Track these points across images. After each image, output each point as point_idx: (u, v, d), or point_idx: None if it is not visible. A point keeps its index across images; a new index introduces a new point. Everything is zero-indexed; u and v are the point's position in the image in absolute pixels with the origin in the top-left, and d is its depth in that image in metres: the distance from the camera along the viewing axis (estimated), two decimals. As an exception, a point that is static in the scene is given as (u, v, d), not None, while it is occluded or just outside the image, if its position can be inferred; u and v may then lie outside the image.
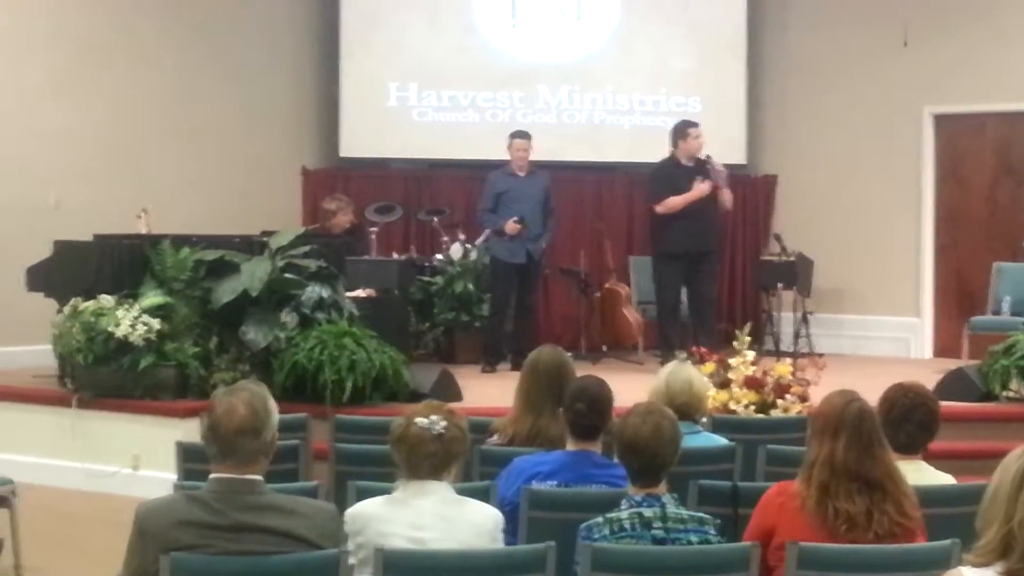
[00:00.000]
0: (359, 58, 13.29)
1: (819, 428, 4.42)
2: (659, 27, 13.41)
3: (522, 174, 11.29)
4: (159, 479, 7.38)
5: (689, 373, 5.81)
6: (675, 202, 10.94)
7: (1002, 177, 12.50)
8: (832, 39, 13.07)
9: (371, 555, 3.99)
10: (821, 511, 4.27)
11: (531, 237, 11.18)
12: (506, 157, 11.37)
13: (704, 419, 6.04)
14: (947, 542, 4.15)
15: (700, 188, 10.91)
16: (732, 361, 7.83)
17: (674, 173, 11.08)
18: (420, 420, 4.18)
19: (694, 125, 11.23)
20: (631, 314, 12.07)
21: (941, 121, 12.70)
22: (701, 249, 10.99)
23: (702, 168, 11.02)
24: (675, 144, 11.15)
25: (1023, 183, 12.34)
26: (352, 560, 4.06)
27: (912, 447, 4.88)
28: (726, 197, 11.13)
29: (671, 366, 5.90)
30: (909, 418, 4.85)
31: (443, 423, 4.18)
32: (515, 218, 11.04)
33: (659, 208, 11.05)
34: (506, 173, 11.33)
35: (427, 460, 4.17)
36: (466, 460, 4.66)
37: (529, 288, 11.45)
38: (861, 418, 4.35)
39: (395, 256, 11.80)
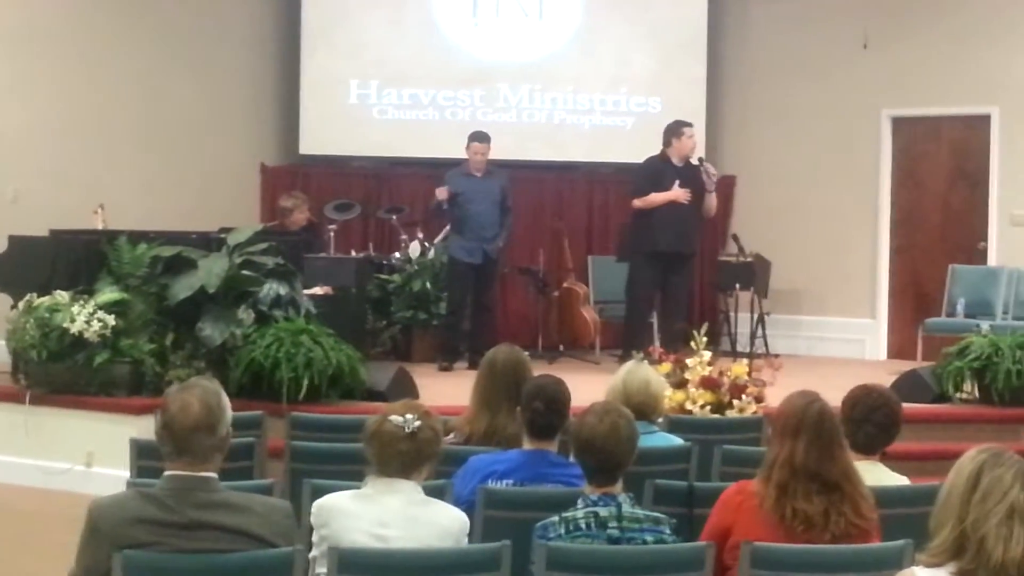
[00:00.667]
0: (320, 55, 13.25)
1: (779, 428, 4.44)
2: (620, 27, 13.43)
3: (479, 175, 11.29)
4: (113, 476, 7.29)
5: (647, 373, 5.82)
6: (655, 198, 10.93)
7: (958, 180, 12.60)
8: (792, 41, 13.14)
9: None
10: (779, 511, 4.29)
11: (487, 237, 11.18)
12: (466, 156, 11.36)
13: (660, 419, 6.05)
14: (900, 542, 4.17)
15: (679, 192, 10.89)
16: (689, 361, 7.85)
17: (662, 171, 11.05)
18: (394, 418, 4.16)
19: (688, 125, 11.19)
20: (588, 314, 12.09)
21: (898, 124, 12.79)
22: (681, 251, 10.99)
23: (694, 171, 10.99)
24: (668, 143, 11.11)
25: (978, 186, 12.43)
26: (314, 552, 4.05)
27: (870, 447, 4.90)
28: (712, 204, 11.13)
29: (628, 366, 5.90)
30: (870, 418, 4.87)
31: (417, 422, 4.16)
32: (468, 210, 11.09)
33: (637, 202, 11.05)
34: (463, 173, 11.32)
35: (398, 458, 4.16)
36: (438, 459, 4.65)
37: (485, 287, 11.45)
38: (822, 419, 4.37)
39: (353, 254, 11.77)
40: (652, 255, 10.98)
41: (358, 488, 4.26)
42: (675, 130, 11.12)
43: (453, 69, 13.34)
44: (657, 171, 11.08)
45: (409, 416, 4.16)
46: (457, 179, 11.29)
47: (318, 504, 4.22)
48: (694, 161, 11.14)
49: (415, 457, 4.17)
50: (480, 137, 11.37)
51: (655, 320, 11.27)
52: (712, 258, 13.10)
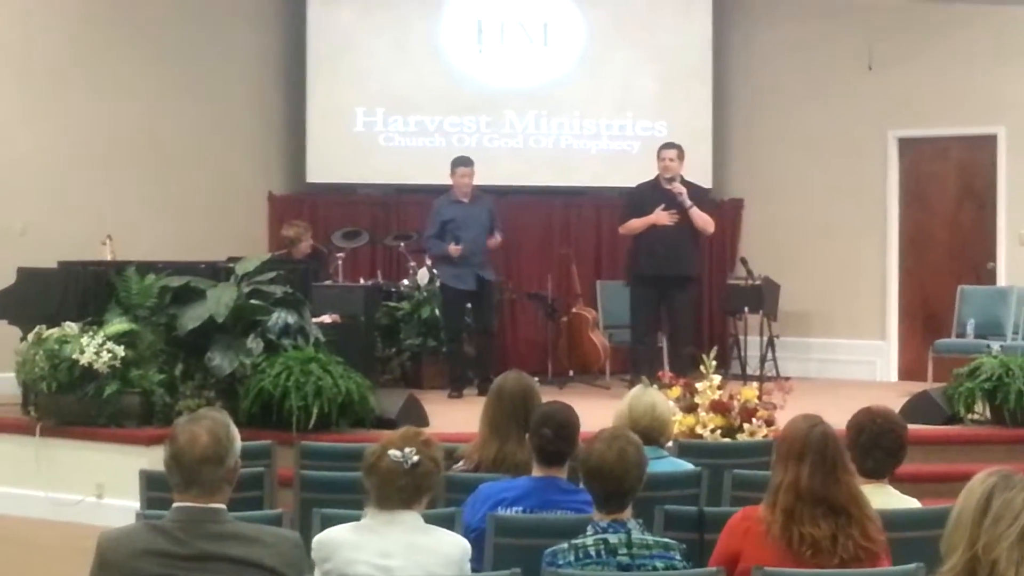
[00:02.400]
0: (326, 83, 13.29)
1: (783, 453, 4.42)
2: (625, 52, 13.46)
3: (466, 200, 11.31)
4: (124, 507, 7.31)
5: (653, 397, 5.80)
6: (633, 224, 11.03)
7: (966, 200, 12.59)
8: (797, 63, 13.15)
9: (336, 583, 3.96)
10: (786, 536, 4.27)
11: (477, 263, 11.19)
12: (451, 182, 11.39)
13: (670, 444, 6.04)
14: (911, 566, 4.15)
15: (659, 215, 10.90)
16: (698, 385, 7.83)
17: (647, 195, 11.06)
18: (393, 453, 4.13)
19: (668, 147, 11.16)
20: (598, 339, 12.06)
21: (905, 144, 12.79)
22: (673, 273, 10.94)
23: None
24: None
25: (986, 206, 12.42)
26: (318, 588, 4.04)
27: (880, 472, 4.87)
28: (699, 219, 11.01)
29: (635, 390, 5.90)
30: (878, 444, 4.83)
31: (416, 457, 4.12)
32: (454, 241, 11.08)
33: (621, 229, 11.25)
34: (451, 200, 11.34)
35: (397, 494, 4.14)
36: (439, 488, 4.64)
37: (484, 312, 11.44)
38: (825, 443, 4.35)
39: (361, 282, 11.78)
40: (644, 279, 11.01)
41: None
42: (657, 152, 11.17)
43: (459, 96, 13.37)
44: (641, 196, 11.13)
45: (408, 450, 4.13)
46: (446, 207, 11.31)
47: (319, 540, 4.20)
48: (669, 182, 11.03)
49: (415, 491, 4.15)
50: (464, 162, 11.39)
51: (664, 344, 11.26)
52: (721, 281, 13.10)
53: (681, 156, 11.06)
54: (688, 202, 10.92)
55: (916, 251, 12.79)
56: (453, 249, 11.08)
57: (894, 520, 4.61)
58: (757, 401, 7.88)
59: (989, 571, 2.99)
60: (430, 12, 13.41)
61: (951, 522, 3.11)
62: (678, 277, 10.99)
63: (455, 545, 4.24)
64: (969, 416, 9.12)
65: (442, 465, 4.30)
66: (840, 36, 12.91)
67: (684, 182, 11.00)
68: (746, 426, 7.67)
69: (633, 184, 11.54)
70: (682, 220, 10.93)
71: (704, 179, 13.04)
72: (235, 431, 3.87)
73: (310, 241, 11.47)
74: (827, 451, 4.34)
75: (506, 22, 13.50)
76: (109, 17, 11.95)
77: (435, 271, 11.81)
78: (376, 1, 13.34)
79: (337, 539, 4.17)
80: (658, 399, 5.84)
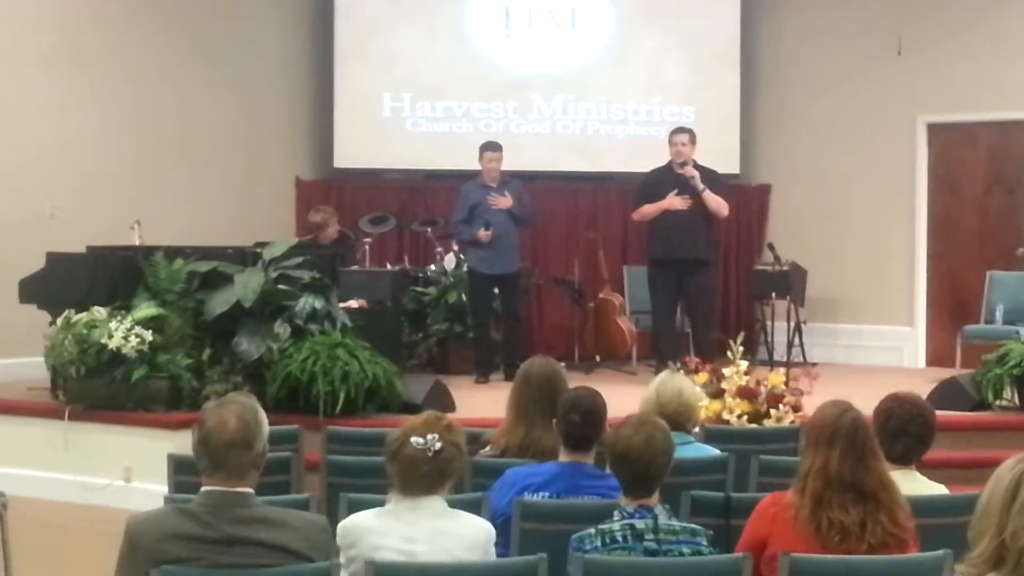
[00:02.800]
0: (353, 69, 13.30)
1: (813, 438, 4.41)
2: (653, 37, 13.43)
3: (495, 185, 11.29)
4: (151, 491, 7.35)
5: (679, 383, 5.79)
6: (646, 210, 11.05)
7: (994, 186, 12.52)
8: (826, 49, 13.09)
9: (363, 568, 3.97)
10: (815, 521, 4.26)
11: (506, 248, 11.18)
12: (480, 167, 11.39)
13: (696, 429, 6.03)
14: (939, 552, 4.14)
15: (672, 200, 10.89)
16: (725, 371, 7.82)
17: (661, 180, 11.05)
18: (416, 440, 4.13)
19: (679, 131, 11.16)
20: (625, 324, 12.06)
21: (934, 130, 12.72)
22: (688, 257, 10.91)
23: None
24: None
25: (1015, 192, 12.36)
26: (344, 573, 4.04)
27: (907, 458, 4.86)
28: (712, 202, 10.96)
29: (662, 376, 5.89)
30: (907, 430, 4.83)
31: (439, 443, 4.13)
32: (483, 226, 11.08)
33: (634, 216, 11.28)
34: (479, 185, 11.33)
35: (421, 481, 4.15)
36: (462, 472, 4.64)
37: (512, 297, 11.44)
38: (855, 428, 4.34)
39: (388, 267, 11.80)
40: (659, 263, 11.02)
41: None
42: (669, 136, 11.18)
43: (486, 81, 13.37)
44: (654, 182, 11.13)
45: (431, 437, 4.14)
46: (474, 191, 11.31)
47: (343, 526, 4.22)
48: (682, 166, 11.01)
49: (438, 477, 4.17)
50: (492, 146, 11.39)
51: (690, 330, 11.26)
52: (748, 267, 13.07)
53: (693, 140, 11.05)
54: (701, 185, 10.90)
55: (945, 237, 12.73)
56: (483, 235, 11.08)
57: (921, 506, 4.59)
58: (784, 387, 7.85)
59: (1017, 558, 2.98)
60: (458, -3, 13.42)
61: (979, 509, 3.09)
62: (694, 261, 10.96)
63: (480, 529, 4.25)
64: (997, 402, 9.09)
65: (464, 450, 4.30)
66: (869, 21, 12.85)
67: (696, 166, 10.98)
68: (773, 412, 7.65)
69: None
70: (696, 204, 10.91)
71: (731, 165, 13.07)
72: (263, 416, 3.89)
73: (337, 226, 11.49)
74: (857, 437, 4.33)
75: (534, 7, 13.48)
76: (139, 4, 11.98)
77: (462, 255, 11.82)
78: (404, -13, 13.36)
79: (362, 525, 4.19)
80: (685, 385, 5.82)
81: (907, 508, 4.36)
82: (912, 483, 4.76)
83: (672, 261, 10.92)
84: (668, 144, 11.12)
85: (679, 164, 10.96)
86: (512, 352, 10.91)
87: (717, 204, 11.03)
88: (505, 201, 11.09)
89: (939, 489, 4.94)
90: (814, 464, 4.33)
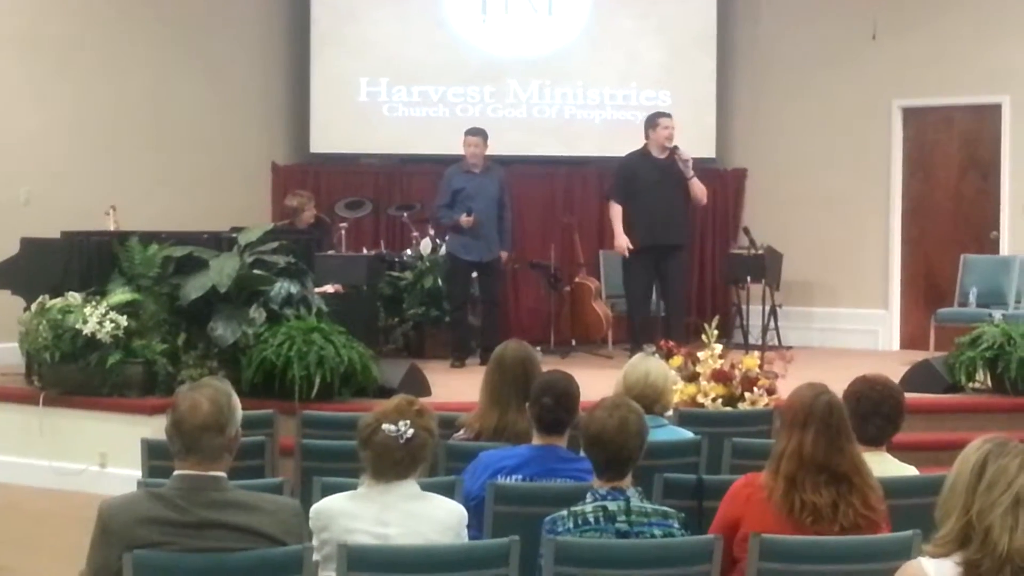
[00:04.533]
0: (329, 53, 13.28)
1: (788, 420, 4.44)
2: (629, 21, 13.43)
3: (477, 171, 11.30)
4: (127, 476, 7.29)
5: (647, 366, 5.79)
6: (614, 223, 11.02)
7: (969, 170, 12.58)
8: (801, 33, 13.12)
9: (335, 551, 3.98)
10: (787, 503, 4.29)
11: (485, 234, 11.19)
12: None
13: (669, 412, 6.05)
14: (908, 533, 4.17)
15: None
16: (700, 354, 7.84)
17: (638, 166, 11.05)
18: (387, 427, 4.14)
19: (665, 115, 11.17)
20: (600, 308, 12.09)
21: (909, 114, 12.77)
22: (667, 243, 10.93)
23: (671, 158, 10.98)
24: (646, 135, 11.11)
25: (989, 176, 12.42)
26: (316, 556, 4.05)
27: (879, 439, 4.90)
28: (697, 190, 11.03)
29: (634, 359, 5.90)
30: (878, 411, 4.87)
31: (411, 430, 4.14)
32: (465, 212, 11.09)
33: (611, 212, 11.15)
34: (462, 170, 11.34)
35: (393, 467, 4.17)
36: (434, 455, 4.66)
37: (491, 283, 11.47)
38: (830, 411, 4.37)
39: (364, 252, 11.79)
40: (638, 249, 10.94)
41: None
42: (651, 121, 11.14)
43: (462, 66, 13.37)
44: (631, 168, 11.08)
45: (402, 423, 4.15)
46: (457, 176, 11.32)
47: (316, 509, 4.23)
48: (674, 151, 11.03)
49: (410, 463, 4.18)
50: (473, 131, 11.41)
51: (664, 313, 11.28)
52: (723, 251, 13.12)
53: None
54: (691, 172, 10.93)
55: (919, 221, 12.79)
56: (465, 220, 11.08)
57: (892, 488, 4.62)
58: (758, 370, 7.88)
59: (983, 538, 3.01)
60: (434, -19, 13.40)
61: (946, 489, 3.13)
62: (672, 246, 10.99)
63: (452, 512, 4.27)
64: (970, 385, 9.14)
65: (436, 434, 4.32)
66: (844, 5, 12.89)
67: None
68: (747, 395, 7.67)
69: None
70: (678, 189, 10.92)
71: (708, 149, 13.10)
72: (236, 400, 3.90)
73: (313, 211, 11.48)
74: (831, 419, 4.36)
75: (510, -9, 13.47)
76: (111, -12, 11.94)
77: (439, 240, 11.82)
78: (379, -29, 13.33)
79: (334, 508, 4.20)
80: (653, 367, 5.81)
81: (879, 491, 4.39)
82: (883, 465, 4.79)
83: (653, 247, 10.92)
84: (649, 128, 11.08)
85: (671, 148, 10.96)
86: (489, 337, 10.91)
87: (702, 192, 11.12)
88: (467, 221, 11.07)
89: (909, 470, 4.97)
90: (788, 446, 4.36)
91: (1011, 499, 3.01)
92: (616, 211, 11.04)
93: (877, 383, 4.98)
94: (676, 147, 10.98)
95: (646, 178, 10.93)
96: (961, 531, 3.05)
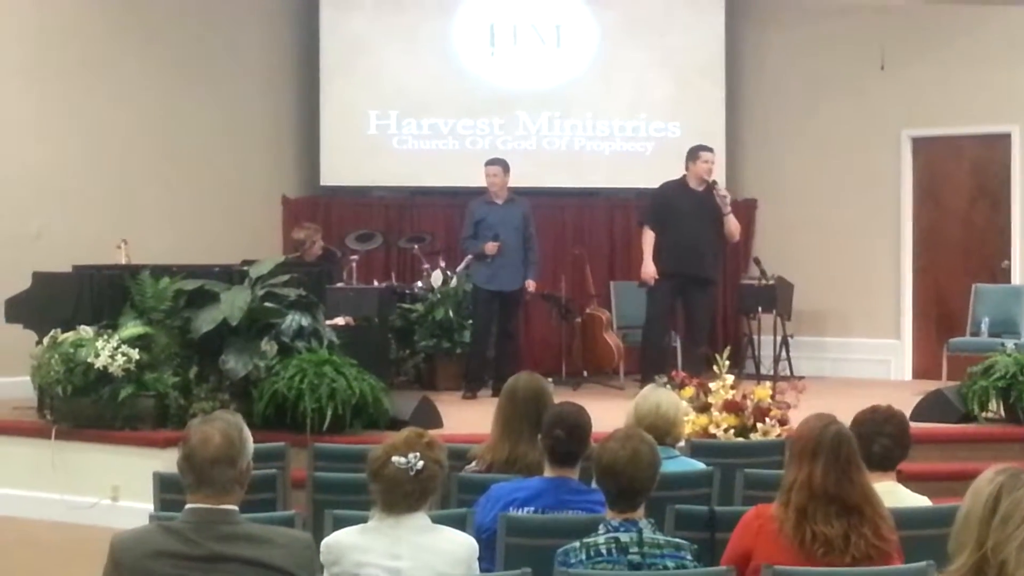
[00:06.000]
0: (339, 86, 13.31)
1: (797, 451, 4.43)
2: (638, 53, 13.45)
3: (499, 201, 11.33)
4: (139, 510, 7.31)
5: (658, 397, 5.79)
6: (644, 248, 11.03)
7: (979, 199, 12.57)
8: (810, 63, 13.14)
9: (347, 585, 3.97)
10: (799, 534, 4.28)
11: (509, 264, 11.20)
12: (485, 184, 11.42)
13: (681, 443, 6.04)
14: (921, 564, 4.16)
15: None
16: (712, 385, 7.83)
17: (674, 196, 11.05)
18: (397, 460, 4.13)
19: (707, 149, 11.18)
20: (612, 339, 12.07)
21: (919, 144, 12.77)
22: (693, 274, 10.92)
23: (709, 192, 10.99)
24: (687, 166, 11.13)
25: (1000, 205, 12.40)
26: (328, 591, 4.05)
27: (887, 462, 4.90)
28: (732, 226, 11.07)
29: (645, 390, 5.90)
30: (881, 431, 4.91)
31: (420, 462, 4.14)
32: (491, 238, 11.12)
33: (644, 237, 11.12)
34: (485, 201, 11.38)
35: (404, 499, 4.16)
36: (444, 486, 4.65)
37: (510, 315, 11.48)
38: (839, 441, 4.36)
39: (375, 284, 11.80)
40: (664, 276, 10.95)
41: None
42: (692, 154, 11.15)
43: (472, 98, 13.39)
44: (667, 198, 11.09)
45: (412, 456, 4.14)
46: (479, 207, 11.35)
47: (326, 543, 4.21)
48: (713, 185, 11.09)
49: (420, 495, 4.17)
50: (493, 161, 11.45)
51: (678, 343, 11.27)
52: (734, 281, 13.11)
53: None
54: (728, 208, 10.97)
55: (930, 250, 12.77)
56: (491, 247, 11.11)
57: (905, 518, 4.61)
58: (770, 400, 7.87)
59: (998, 571, 3.00)
60: (443, 14, 13.43)
61: (958, 522, 3.11)
62: (700, 278, 10.98)
63: (463, 544, 4.25)
64: (983, 414, 9.10)
65: (446, 465, 4.31)
66: (852, 36, 12.91)
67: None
68: (759, 425, 7.66)
69: (645, 185, 11.54)
70: (713, 224, 10.94)
71: (717, 180, 13.05)
72: (247, 433, 3.89)
73: (320, 243, 11.50)
74: (841, 450, 4.35)
75: (519, 24, 13.51)
76: (122, 22, 11.96)
77: (453, 272, 11.82)
78: (389, 4, 13.36)
79: (345, 542, 4.19)
80: (664, 398, 5.81)
81: (890, 521, 4.38)
82: (894, 495, 4.78)
83: (677, 275, 10.90)
84: (689, 160, 11.09)
85: (710, 183, 10.99)
86: (502, 368, 10.90)
87: (737, 229, 11.19)
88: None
89: (922, 501, 4.96)
90: (798, 477, 4.35)
91: (1027, 533, 3.00)
92: (648, 237, 11.04)
93: (879, 408, 5.06)
94: (715, 181, 11.04)
95: (681, 208, 10.94)
96: (976, 565, 3.04)
